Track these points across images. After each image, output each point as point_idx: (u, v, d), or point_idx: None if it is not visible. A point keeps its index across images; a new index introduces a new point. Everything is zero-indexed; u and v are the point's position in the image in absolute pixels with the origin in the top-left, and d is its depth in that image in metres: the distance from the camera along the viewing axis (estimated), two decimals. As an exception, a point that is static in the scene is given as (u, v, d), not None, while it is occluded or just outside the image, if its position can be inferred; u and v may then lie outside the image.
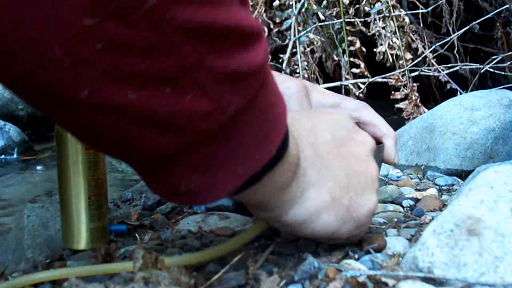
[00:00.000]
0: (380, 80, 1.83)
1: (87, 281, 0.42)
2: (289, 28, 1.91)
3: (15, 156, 1.89)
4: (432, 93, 2.51)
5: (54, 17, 0.27)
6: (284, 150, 0.39)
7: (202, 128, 0.33)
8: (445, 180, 0.79)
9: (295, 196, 0.43)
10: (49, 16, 0.27)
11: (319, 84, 1.95)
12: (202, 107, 0.32)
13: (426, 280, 0.41)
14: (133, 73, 0.29)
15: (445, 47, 1.89)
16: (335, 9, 2.00)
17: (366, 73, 1.94)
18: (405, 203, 0.67)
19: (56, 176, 0.54)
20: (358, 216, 0.46)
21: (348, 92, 1.85)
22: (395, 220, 0.60)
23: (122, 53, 0.28)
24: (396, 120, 1.68)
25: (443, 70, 1.84)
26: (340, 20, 1.94)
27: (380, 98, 1.93)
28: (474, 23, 1.82)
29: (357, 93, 1.81)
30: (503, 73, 1.75)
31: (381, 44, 1.98)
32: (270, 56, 2.02)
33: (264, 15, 2.11)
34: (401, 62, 1.94)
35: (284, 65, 1.86)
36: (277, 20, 2.02)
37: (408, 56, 1.93)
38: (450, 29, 2.32)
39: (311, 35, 1.96)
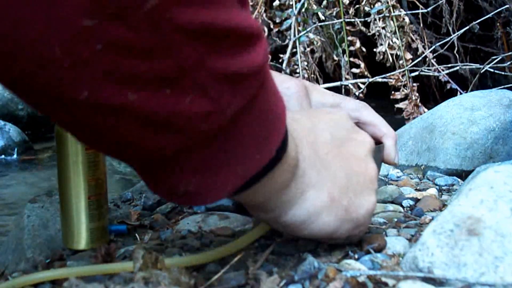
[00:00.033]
0: (380, 80, 1.83)
1: (87, 281, 0.42)
2: (289, 28, 1.91)
3: (15, 156, 1.89)
4: (432, 93, 2.51)
5: (54, 18, 0.27)
6: (284, 150, 0.39)
7: (202, 128, 0.33)
8: (445, 180, 0.79)
9: (294, 197, 0.43)
10: (49, 16, 0.27)
11: (319, 84, 1.95)
12: (202, 108, 0.32)
13: (426, 280, 0.41)
14: (133, 74, 0.29)
15: (445, 47, 1.89)
16: (335, 9, 2.00)
17: (366, 73, 1.94)
18: (405, 203, 0.67)
19: (56, 176, 0.54)
20: (357, 217, 0.46)
21: (348, 92, 1.85)
22: (395, 220, 0.60)
23: (122, 54, 0.28)
24: (396, 120, 1.68)
25: (443, 70, 1.84)
26: (340, 20, 1.94)
27: (380, 98, 1.93)
28: (474, 23, 1.82)
29: (357, 93, 1.81)
30: (503, 73, 1.75)
31: (381, 44, 1.98)
32: (270, 56, 2.02)
33: (264, 15, 2.11)
34: (401, 62, 1.94)
35: (284, 65, 1.86)
36: (277, 20, 2.02)
37: (408, 56, 1.94)
38: (450, 29, 2.32)
39: (311, 35, 1.96)
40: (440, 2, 2.17)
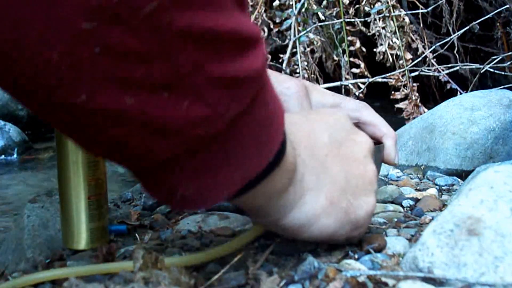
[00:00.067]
0: (380, 80, 1.83)
1: (87, 281, 0.42)
2: (289, 28, 1.91)
3: (15, 156, 1.89)
4: (432, 93, 2.51)
5: (53, 19, 0.27)
6: (282, 155, 0.39)
7: (200, 133, 0.33)
8: (445, 180, 0.79)
9: (293, 201, 0.43)
10: (49, 17, 0.26)
11: (319, 84, 1.95)
12: (199, 113, 0.32)
13: (426, 280, 0.41)
14: (131, 77, 0.29)
15: (445, 47, 1.89)
16: (335, 9, 2.00)
17: (366, 73, 1.94)
18: (405, 203, 0.67)
19: (56, 176, 0.54)
20: (356, 218, 0.46)
21: (348, 92, 1.85)
22: (395, 220, 0.60)
23: (120, 57, 0.28)
24: (396, 120, 1.68)
25: (443, 70, 1.84)
26: (340, 20, 1.94)
27: (380, 98, 1.93)
28: (474, 23, 1.82)
29: (357, 93, 1.81)
30: (503, 73, 1.75)
31: (381, 44, 1.98)
32: (269, 56, 2.02)
33: (264, 15, 2.11)
34: (401, 62, 1.94)
35: (284, 65, 1.86)
36: (277, 20, 2.02)
37: (408, 56, 1.94)
38: (450, 29, 2.32)
39: (311, 35, 1.96)
40: (440, 2, 2.17)
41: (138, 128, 0.31)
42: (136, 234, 0.59)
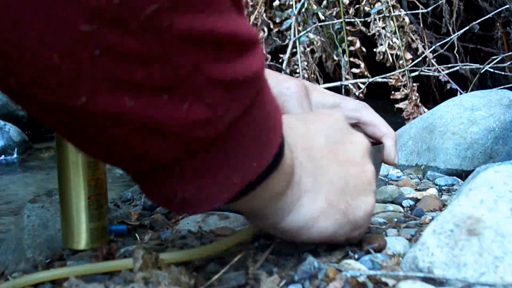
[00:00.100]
0: (380, 80, 1.83)
1: (87, 281, 0.42)
2: (289, 28, 1.91)
3: (15, 156, 1.89)
4: (432, 93, 2.51)
5: (53, 21, 0.27)
6: (280, 158, 0.39)
7: (199, 135, 0.33)
8: (445, 180, 0.79)
9: (290, 204, 0.43)
10: (49, 19, 0.26)
11: (319, 84, 1.96)
12: (199, 115, 0.32)
13: (426, 280, 0.41)
14: (131, 80, 0.29)
15: (445, 47, 1.89)
16: (335, 9, 2.00)
17: (366, 73, 1.94)
18: (405, 203, 0.67)
19: (56, 176, 0.54)
20: (355, 219, 0.46)
21: (348, 92, 1.85)
22: (395, 220, 0.60)
23: (120, 59, 0.28)
24: (396, 120, 1.68)
25: (443, 70, 1.84)
26: (340, 20, 1.94)
27: (380, 98, 1.93)
28: (474, 23, 1.82)
29: (357, 93, 1.81)
30: (503, 73, 1.75)
31: (381, 44, 1.98)
32: (269, 56, 2.02)
33: (264, 15, 2.11)
34: (401, 62, 1.94)
35: (284, 65, 1.86)
36: (277, 20, 2.02)
37: (408, 56, 1.94)
38: (450, 29, 2.32)
39: (311, 35, 1.96)
40: (440, 2, 2.17)
41: (138, 130, 0.31)
42: (136, 234, 0.59)
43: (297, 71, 1.87)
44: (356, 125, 0.64)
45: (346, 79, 1.90)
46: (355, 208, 0.46)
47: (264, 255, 0.48)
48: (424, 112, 1.76)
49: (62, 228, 0.55)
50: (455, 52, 2.05)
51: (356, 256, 0.48)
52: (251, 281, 0.43)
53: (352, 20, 1.95)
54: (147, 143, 0.32)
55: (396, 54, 1.96)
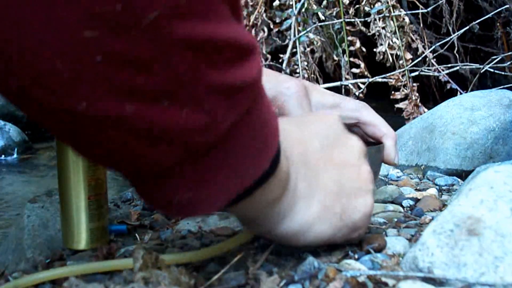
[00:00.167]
0: (380, 80, 1.83)
1: (87, 281, 0.42)
2: (289, 28, 1.91)
3: (15, 156, 1.89)
4: (432, 93, 2.51)
5: (55, 28, 0.27)
6: (277, 163, 0.39)
7: (198, 141, 0.33)
8: (445, 180, 0.79)
9: (286, 210, 0.43)
10: (50, 26, 0.26)
11: (319, 84, 1.96)
12: (198, 120, 0.32)
13: (426, 280, 0.41)
14: (131, 85, 0.29)
15: (445, 47, 1.89)
16: (335, 9, 2.00)
17: (366, 73, 1.94)
18: (405, 203, 0.67)
19: (56, 176, 0.54)
20: (352, 221, 0.46)
21: (348, 92, 1.85)
22: (395, 220, 0.60)
23: (121, 66, 0.28)
24: (396, 120, 1.68)
25: (443, 70, 1.84)
26: (340, 20, 1.94)
27: (380, 98, 1.93)
28: (474, 23, 1.82)
29: (357, 93, 1.81)
30: (503, 73, 1.76)
31: (381, 44, 1.99)
32: (269, 56, 2.02)
33: (264, 15, 2.11)
34: (401, 62, 1.94)
35: (284, 65, 1.86)
36: (277, 20, 2.02)
37: (408, 56, 1.94)
38: (450, 29, 2.32)
39: (311, 35, 1.96)
40: (440, 2, 2.17)
41: (138, 136, 0.31)
42: (136, 234, 0.59)
43: (297, 71, 1.87)
44: (356, 125, 0.64)
45: (346, 79, 1.91)
46: (352, 210, 0.46)
47: (264, 255, 0.48)
48: (424, 112, 1.76)
49: (62, 228, 0.55)
50: (455, 52, 2.05)
51: (356, 256, 0.48)
52: (251, 281, 0.43)
53: (352, 20, 1.95)
54: (146, 148, 0.32)
55: (396, 54, 1.96)
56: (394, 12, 1.94)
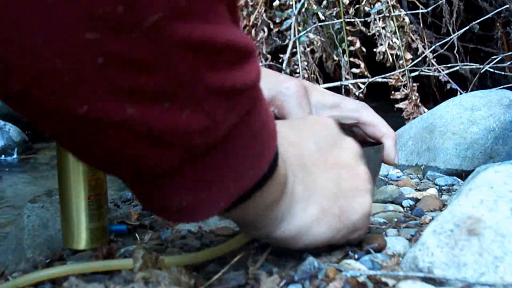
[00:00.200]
0: (380, 80, 1.83)
1: (87, 281, 0.42)
2: (289, 28, 1.91)
3: (15, 156, 1.89)
4: (432, 93, 2.51)
5: (54, 22, 0.26)
6: (275, 166, 0.40)
7: (198, 143, 0.33)
8: (445, 180, 0.79)
9: (283, 213, 0.43)
10: (49, 21, 0.26)
11: (319, 84, 1.96)
12: (198, 122, 0.32)
13: (426, 280, 0.41)
14: (132, 86, 0.29)
15: (445, 47, 1.89)
16: (335, 9, 2.00)
17: (366, 73, 1.94)
18: (405, 203, 0.67)
19: (56, 176, 0.54)
20: (351, 222, 0.46)
21: (348, 92, 1.85)
22: (395, 220, 0.60)
23: (122, 67, 0.28)
24: (396, 120, 1.68)
25: (443, 70, 1.84)
26: (340, 20, 1.94)
27: (380, 98, 1.93)
28: (474, 23, 1.82)
29: (357, 93, 1.81)
30: (503, 73, 1.76)
31: (381, 44, 1.98)
32: (270, 56, 2.02)
33: (264, 15, 2.11)
34: (401, 62, 1.94)
35: (284, 65, 1.86)
36: (277, 20, 2.02)
37: (408, 56, 1.94)
38: (450, 29, 2.32)
39: (311, 35, 1.96)
40: (440, 2, 2.17)
41: (138, 136, 0.31)
42: (136, 234, 0.59)
43: (297, 71, 1.87)
44: (356, 126, 0.64)
45: (346, 79, 1.91)
46: (350, 211, 0.46)
47: (264, 255, 0.48)
48: (424, 112, 1.76)
49: (62, 228, 0.55)
50: (455, 52, 2.05)
51: (356, 256, 0.48)
52: (251, 281, 0.43)
53: (352, 20, 1.95)
54: (146, 149, 0.32)
55: (396, 54, 1.96)
56: (394, 12, 1.94)
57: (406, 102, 1.84)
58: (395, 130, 0.65)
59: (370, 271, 0.44)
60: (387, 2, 1.93)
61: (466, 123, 0.89)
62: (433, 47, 1.96)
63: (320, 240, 0.45)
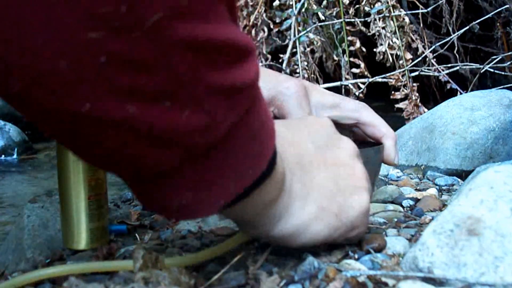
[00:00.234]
0: (380, 80, 1.83)
1: (87, 281, 0.42)
2: (289, 28, 1.91)
3: (15, 156, 1.89)
4: (432, 93, 2.51)
5: (54, 22, 0.27)
6: (274, 165, 0.40)
7: (199, 142, 0.33)
8: (445, 180, 0.79)
9: (281, 211, 0.43)
10: (50, 21, 0.26)
11: (319, 84, 1.96)
12: (199, 121, 0.32)
13: (426, 280, 0.41)
14: (132, 86, 0.29)
15: (445, 47, 1.89)
16: (335, 9, 2.00)
17: (366, 73, 1.94)
18: (405, 203, 0.67)
19: (56, 176, 0.54)
20: (349, 220, 0.46)
21: (348, 92, 1.85)
22: (395, 220, 0.60)
23: (123, 67, 0.28)
24: (396, 120, 1.68)
25: (443, 70, 1.84)
26: (340, 20, 1.94)
27: (380, 98, 1.93)
28: (474, 23, 1.82)
29: (357, 93, 1.81)
30: (503, 73, 1.75)
31: (381, 44, 1.98)
32: (270, 56, 2.02)
33: (264, 15, 2.11)
34: (401, 62, 1.94)
35: (284, 65, 1.86)
36: (277, 20, 2.02)
37: (408, 56, 1.94)
38: (450, 29, 2.32)
39: (311, 35, 1.96)
40: (440, 2, 2.17)
41: (138, 136, 0.31)
42: (136, 234, 0.59)
43: (297, 71, 1.87)
44: (356, 126, 0.64)
45: (346, 79, 1.90)
46: (348, 209, 0.46)
47: (264, 255, 0.48)
48: (424, 112, 1.76)
49: (62, 228, 0.55)
50: (455, 52, 2.05)
51: (356, 256, 0.48)
52: (251, 281, 0.43)
53: (352, 20, 1.95)
54: (147, 148, 0.32)
55: (396, 54, 1.96)
56: (394, 12, 1.94)
57: (406, 102, 1.84)
58: (395, 130, 0.65)
59: (370, 271, 0.44)
60: (387, 2, 1.93)
61: (466, 123, 0.89)
62: (433, 47, 1.96)
63: (318, 238, 0.45)
